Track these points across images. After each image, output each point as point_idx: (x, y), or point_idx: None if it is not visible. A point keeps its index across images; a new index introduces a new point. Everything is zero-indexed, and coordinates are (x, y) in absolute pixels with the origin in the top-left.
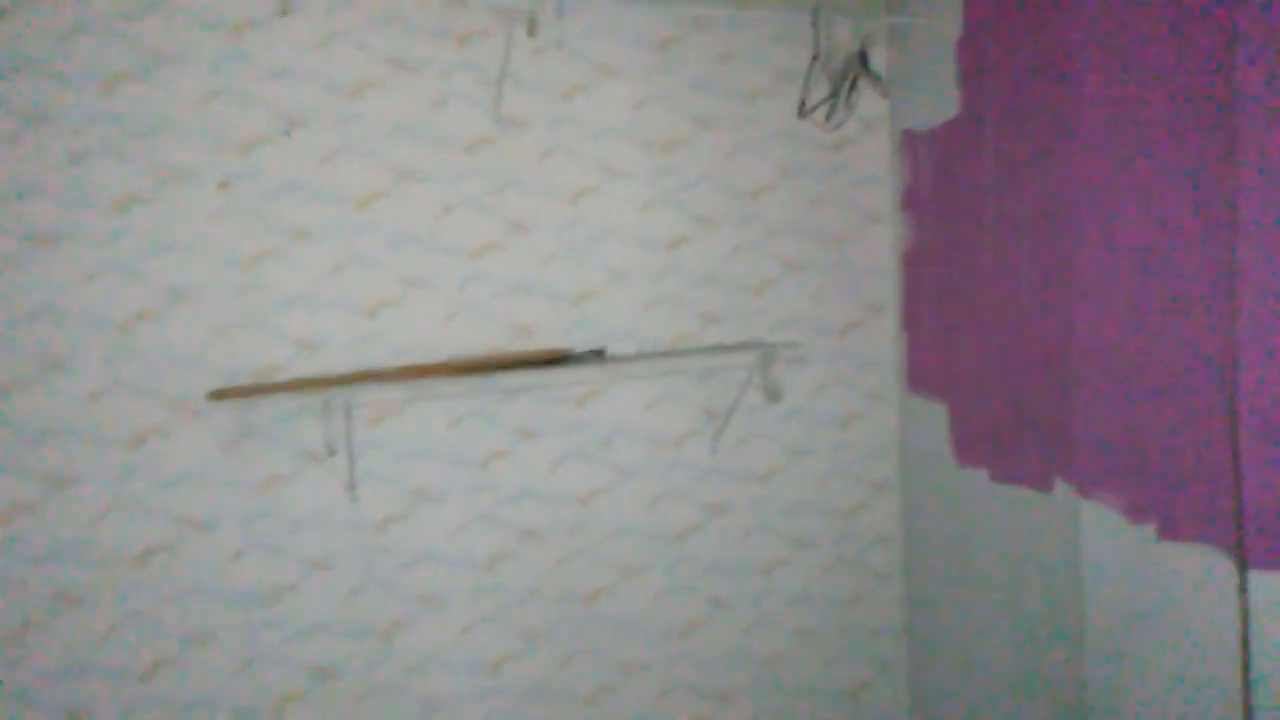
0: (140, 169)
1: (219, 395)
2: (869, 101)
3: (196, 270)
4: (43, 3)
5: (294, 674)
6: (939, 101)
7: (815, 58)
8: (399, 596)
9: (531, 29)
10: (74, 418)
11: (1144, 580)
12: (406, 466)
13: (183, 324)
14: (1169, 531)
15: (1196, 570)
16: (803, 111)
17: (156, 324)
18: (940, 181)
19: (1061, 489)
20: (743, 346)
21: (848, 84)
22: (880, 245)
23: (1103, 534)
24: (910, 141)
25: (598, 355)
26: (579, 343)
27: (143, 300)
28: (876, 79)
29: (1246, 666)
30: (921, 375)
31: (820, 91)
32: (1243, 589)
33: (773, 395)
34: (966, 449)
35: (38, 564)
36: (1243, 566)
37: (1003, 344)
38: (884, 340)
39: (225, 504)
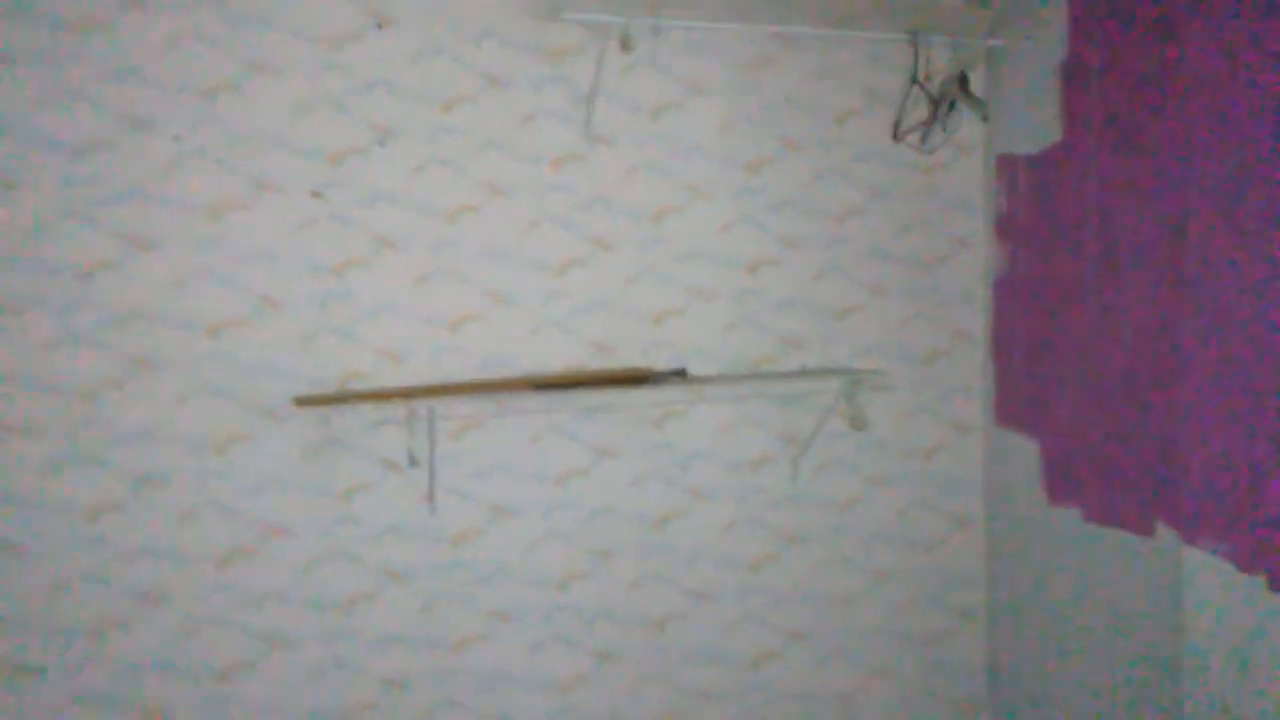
0: (235, 176)
1: (305, 402)
2: (965, 125)
3: (285, 278)
4: (145, 12)
5: (366, 684)
6: (1038, 125)
7: (914, 80)
8: (472, 611)
9: (625, 45)
10: (163, 420)
11: (1252, 634)
12: (485, 481)
13: (270, 330)
14: None
15: None
16: (897, 134)
17: (245, 330)
18: (1038, 208)
19: (1164, 533)
20: (830, 372)
21: (945, 107)
22: (970, 272)
23: (1208, 583)
24: (1007, 166)
25: (679, 375)
26: (658, 362)
27: (233, 306)
28: (978, 103)
29: None
30: (1011, 408)
31: (917, 114)
32: None
33: (858, 424)
34: (1059, 486)
35: (122, 562)
36: None
37: (1102, 378)
38: (971, 370)
39: (306, 510)
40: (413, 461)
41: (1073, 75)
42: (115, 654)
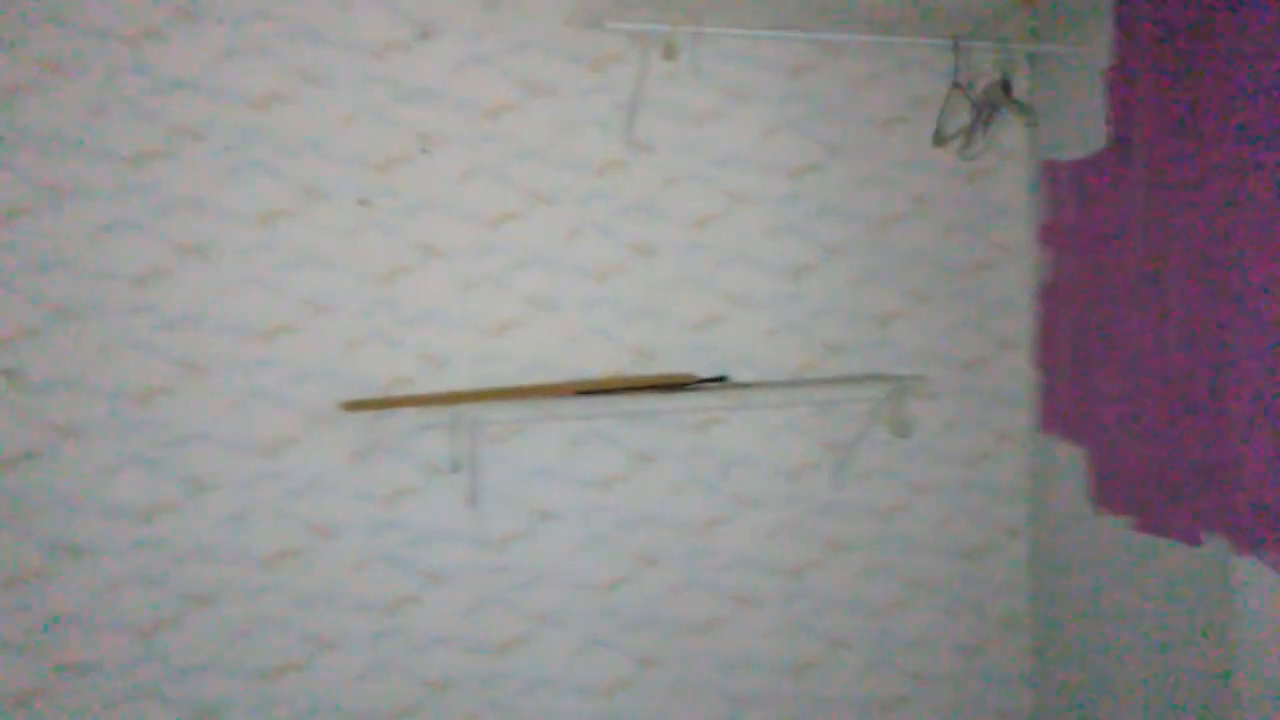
0: (285, 185)
1: (353, 406)
2: (1008, 131)
3: (333, 284)
4: (200, 25)
5: (411, 685)
6: (1083, 132)
7: (956, 86)
8: (515, 615)
9: (669, 53)
10: (214, 423)
11: None
12: (528, 485)
13: (318, 336)
14: None
15: None
16: (939, 140)
17: (294, 335)
18: (1083, 214)
19: (1213, 543)
20: (873, 379)
21: (988, 112)
22: (1014, 279)
23: (1260, 595)
24: (1051, 173)
25: (720, 382)
26: (700, 368)
27: (282, 312)
28: (1023, 109)
29: None
30: (1056, 416)
31: (959, 120)
32: None
33: (902, 431)
34: (1106, 495)
35: (175, 563)
36: None
37: (1150, 386)
38: (1014, 378)
39: (352, 513)
40: (456, 466)
41: (1118, 80)
42: (167, 653)
